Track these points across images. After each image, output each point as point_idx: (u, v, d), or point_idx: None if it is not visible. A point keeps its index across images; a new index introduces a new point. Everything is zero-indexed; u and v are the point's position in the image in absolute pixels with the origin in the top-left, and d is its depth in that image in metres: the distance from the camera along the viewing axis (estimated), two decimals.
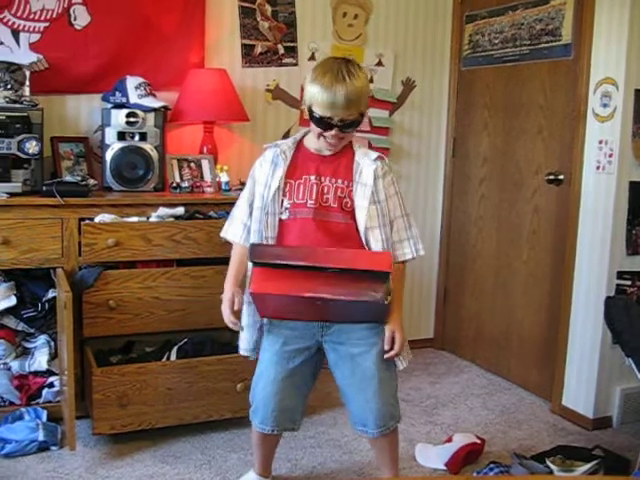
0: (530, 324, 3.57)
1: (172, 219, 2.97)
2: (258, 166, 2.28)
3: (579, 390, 3.21)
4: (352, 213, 2.17)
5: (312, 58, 3.73)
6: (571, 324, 3.25)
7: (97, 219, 2.86)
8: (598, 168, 3.08)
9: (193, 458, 2.78)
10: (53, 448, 2.77)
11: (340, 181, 2.18)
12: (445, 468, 2.77)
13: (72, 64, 3.22)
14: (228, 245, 2.41)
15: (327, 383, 2.59)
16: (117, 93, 3.14)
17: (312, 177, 2.18)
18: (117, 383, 2.74)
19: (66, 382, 2.57)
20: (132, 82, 3.15)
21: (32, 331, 2.93)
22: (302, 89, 2.13)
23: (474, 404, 3.43)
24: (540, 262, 3.49)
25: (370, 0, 3.85)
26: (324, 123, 2.09)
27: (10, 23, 3.12)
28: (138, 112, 3.11)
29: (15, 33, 3.13)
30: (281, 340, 2.24)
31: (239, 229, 2.30)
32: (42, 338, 2.93)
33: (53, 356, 2.91)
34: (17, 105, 2.91)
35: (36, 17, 3.15)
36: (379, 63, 3.91)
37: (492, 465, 2.67)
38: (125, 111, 3.10)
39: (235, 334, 2.37)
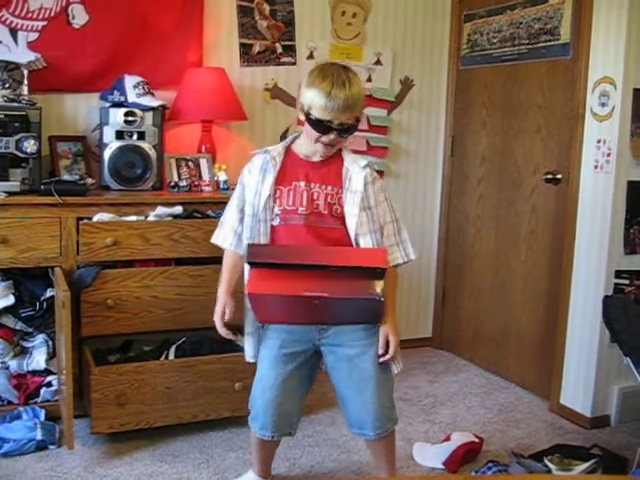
0: (528, 323, 3.58)
1: (170, 218, 2.96)
2: (247, 172, 2.27)
3: (577, 389, 3.22)
4: (342, 219, 2.18)
5: (310, 57, 3.73)
6: (569, 323, 3.26)
7: (95, 218, 2.86)
8: (596, 167, 3.08)
9: (191, 457, 2.79)
10: (51, 447, 2.77)
11: (330, 187, 2.19)
12: (443, 467, 2.77)
13: (70, 63, 3.22)
14: None
15: (324, 383, 2.59)
16: (115, 92, 3.14)
17: (302, 183, 2.18)
18: (115, 382, 2.74)
19: (64, 381, 2.57)
20: (130, 81, 3.15)
21: (30, 330, 2.93)
22: (299, 89, 2.14)
23: (472, 403, 3.43)
24: (538, 261, 3.50)
25: None
26: (323, 127, 2.10)
27: (8, 22, 3.11)
28: (136, 111, 3.11)
29: (13, 32, 3.13)
30: (278, 344, 2.24)
31: (229, 235, 2.30)
32: (40, 337, 2.93)
33: (51, 355, 2.91)
34: (15, 104, 2.91)
35: (34, 16, 3.14)
36: (377, 62, 3.91)
37: (490, 464, 2.68)
38: (123, 110, 3.10)
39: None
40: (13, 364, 2.89)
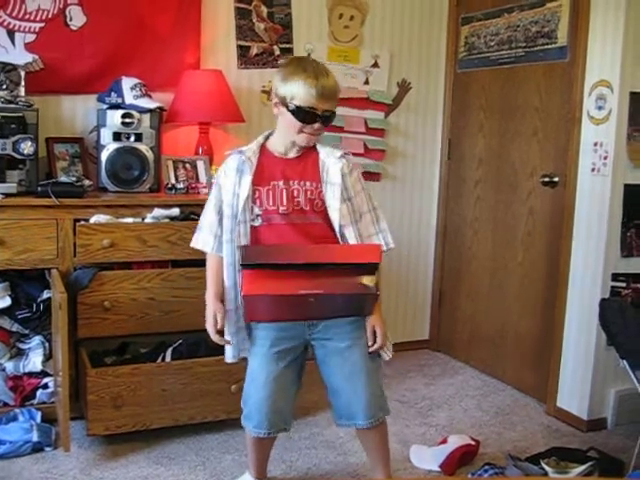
0: (525, 326, 3.58)
1: (167, 220, 2.96)
2: (222, 174, 2.26)
3: (574, 392, 3.22)
4: (323, 213, 2.19)
5: None
6: (566, 326, 3.26)
7: (92, 220, 2.86)
8: (593, 170, 3.09)
9: (187, 459, 2.78)
10: (47, 449, 2.76)
11: (309, 183, 2.20)
12: (440, 469, 2.77)
13: (67, 64, 3.21)
14: None
15: (321, 384, 2.59)
16: (113, 94, 3.14)
17: (280, 182, 2.19)
18: (112, 384, 2.73)
19: (60, 383, 2.57)
20: (128, 83, 3.15)
21: (27, 332, 2.92)
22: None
23: (469, 405, 3.43)
24: (535, 264, 3.50)
25: (366, 2, 3.86)
26: (309, 115, 2.12)
27: (5, 23, 3.11)
28: (133, 113, 3.11)
29: (10, 33, 3.12)
30: (268, 342, 2.24)
31: (210, 238, 2.28)
32: (37, 339, 2.92)
33: (48, 357, 2.91)
34: (12, 105, 2.90)
35: (32, 17, 3.14)
36: (375, 64, 3.92)
37: (487, 467, 2.67)
38: (120, 112, 3.10)
39: None
40: (9, 366, 2.89)
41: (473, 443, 2.88)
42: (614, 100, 2.98)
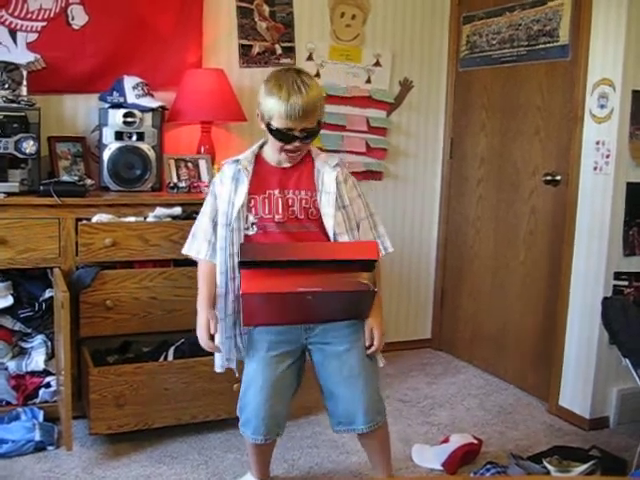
0: (527, 324, 3.58)
1: (169, 219, 2.96)
2: (218, 182, 2.26)
3: (576, 390, 3.22)
4: (318, 221, 2.19)
5: (310, 58, 3.73)
6: (568, 325, 3.26)
7: (94, 219, 2.86)
8: (595, 169, 3.08)
9: (190, 458, 2.78)
10: (50, 448, 2.77)
11: (303, 192, 2.20)
12: (442, 468, 2.77)
13: (70, 64, 3.21)
14: None
15: None
16: (115, 93, 3.14)
17: (276, 191, 2.19)
18: (114, 383, 2.74)
19: (63, 382, 2.57)
20: (130, 82, 3.15)
21: (29, 331, 2.93)
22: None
23: (471, 404, 3.43)
24: (537, 263, 3.50)
25: (368, 1, 3.85)
26: (286, 136, 2.11)
27: (7, 22, 3.11)
28: (135, 112, 3.11)
29: (12, 32, 3.13)
30: (265, 346, 2.23)
31: (203, 246, 2.27)
32: (39, 338, 2.93)
33: (50, 356, 2.91)
34: (14, 105, 2.91)
35: (34, 16, 3.14)
36: (377, 63, 3.92)
37: (489, 465, 2.67)
38: (122, 111, 3.10)
39: None
40: (12, 365, 2.89)
41: (475, 442, 2.87)
42: (616, 98, 2.97)
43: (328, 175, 2.20)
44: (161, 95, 3.29)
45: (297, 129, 2.09)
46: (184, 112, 3.32)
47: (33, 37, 3.15)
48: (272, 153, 2.22)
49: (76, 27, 3.22)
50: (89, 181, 3.05)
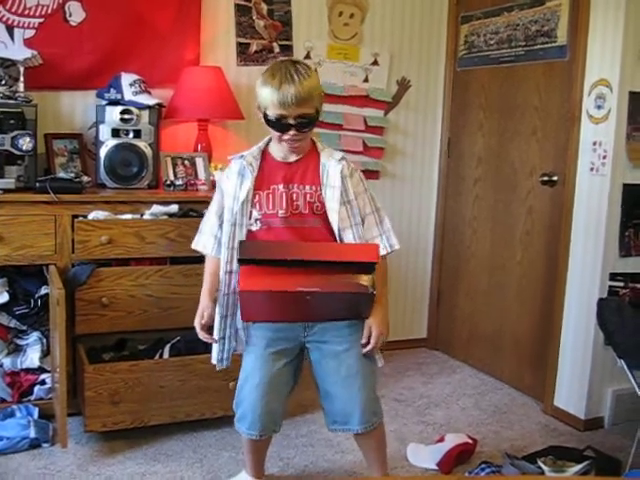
0: (523, 325, 3.58)
1: (166, 217, 2.96)
2: (225, 178, 2.26)
3: (571, 391, 3.22)
4: (323, 216, 2.19)
5: (307, 57, 3.73)
6: (564, 325, 3.26)
7: (90, 216, 2.86)
8: (592, 170, 3.09)
9: (185, 456, 2.78)
10: (45, 445, 2.76)
11: (308, 187, 2.19)
12: (437, 468, 2.77)
13: (67, 60, 3.21)
14: None
15: None
16: (112, 90, 3.13)
17: (280, 186, 2.18)
18: (109, 381, 2.73)
19: (58, 379, 2.57)
20: (127, 79, 3.14)
21: (24, 328, 2.92)
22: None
23: (466, 404, 3.43)
24: (533, 263, 3.50)
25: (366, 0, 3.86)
26: (280, 124, 2.10)
27: (5, 19, 3.11)
28: (133, 109, 3.11)
29: (9, 29, 3.12)
30: (264, 343, 2.23)
31: (210, 241, 2.30)
32: (34, 335, 2.92)
33: (45, 353, 2.90)
34: (11, 101, 2.90)
35: (31, 13, 3.14)
36: (374, 62, 3.91)
37: (484, 465, 2.68)
38: (119, 108, 3.10)
39: None
40: (7, 362, 2.88)
41: (470, 442, 2.88)
42: (613, 99, 2.98)
43: (333, 169, 2.19)
44: (158, 92, 3.28)
45: (291, 116, 2.08)
46: (181, 110, 3.32)
47: (30, 33, 3.15)
48: (277, 147, 2.21)
49: (73, 24, 3.21)
50: (85, 178, 3.04)
